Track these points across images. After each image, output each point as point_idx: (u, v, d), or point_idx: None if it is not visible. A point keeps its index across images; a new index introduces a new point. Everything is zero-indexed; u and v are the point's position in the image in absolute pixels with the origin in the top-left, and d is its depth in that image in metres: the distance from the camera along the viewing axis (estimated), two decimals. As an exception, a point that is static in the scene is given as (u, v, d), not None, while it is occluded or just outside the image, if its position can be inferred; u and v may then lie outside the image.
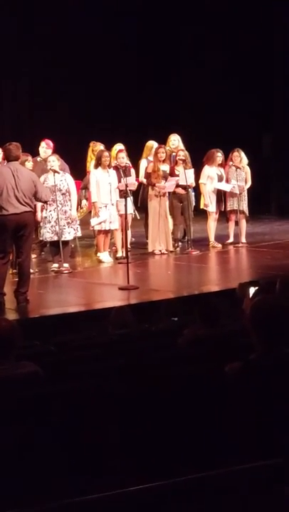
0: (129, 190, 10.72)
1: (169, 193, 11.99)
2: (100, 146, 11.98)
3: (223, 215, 12.54)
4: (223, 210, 12.38)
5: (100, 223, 11.25)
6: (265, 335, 3.66)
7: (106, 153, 11.36)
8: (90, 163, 12.02)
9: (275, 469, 2.61)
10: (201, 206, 12.41)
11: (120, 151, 11.76)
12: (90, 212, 11.58)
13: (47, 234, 10.73)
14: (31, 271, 10.07)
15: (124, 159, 11.49)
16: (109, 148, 11.96)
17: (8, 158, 8.88)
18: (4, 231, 8.66)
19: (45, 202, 9.59)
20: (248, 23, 15.55)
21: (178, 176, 11.88)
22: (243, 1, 15.56)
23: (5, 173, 8.71)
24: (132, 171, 11.69)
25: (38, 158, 11.55)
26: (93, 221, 11.33)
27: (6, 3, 15.87)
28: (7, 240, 8.75)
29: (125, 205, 10.30)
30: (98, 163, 11.27)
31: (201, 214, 12.68)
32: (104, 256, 11.33)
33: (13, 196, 8.61)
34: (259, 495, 2.33)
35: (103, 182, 11.18)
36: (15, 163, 8.84)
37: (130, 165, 11.57)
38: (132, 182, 11.23)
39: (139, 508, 2.29)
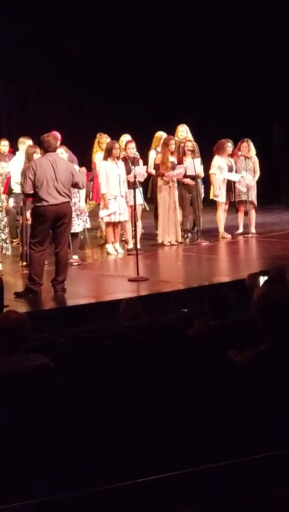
0: (138, 181, 10.69)
1: (178, 183, 11.95)
2: (107, 139, 11.94)
3: (233, 206, 12.51)
4: (232, 200, 12.34)
5: (110, 215, 11.23)
6: (271, 324, 3.63)
7: (116, 145, 11.33)
8: (96, 155, 11.99)
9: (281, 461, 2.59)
10: (211, 197, 12.38)
11: (129, 141, 11.70)
12: (99, 204, 11.55)
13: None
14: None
15: (133, 150, 11.44)
16: (116, 139, 11.91)
17: (47, 149, 8.98)
18: (43, 221, 8.84)
19: (82, 188, 9.72)
20: (257, 12, 15.44)
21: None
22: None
23: (44, 164, 8.81)
24: (141, 161, 11.65)
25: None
26: (102, 213, 11.31)
27: None
28: (46, 230, 8.92)
29: (134, 196, 10.27)
30: (108, 155, 11.23)
31: (210, 205, 12.64)
32: (111, 248, 11.31)
33: (53, 187, 8.75)
34: (261, 488, 2.31)
35: (112, 174, 11.16)
36: (53, 154, 8.96)
37: (138, 156, 11.53)
38: (140, 172, 11.19)
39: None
